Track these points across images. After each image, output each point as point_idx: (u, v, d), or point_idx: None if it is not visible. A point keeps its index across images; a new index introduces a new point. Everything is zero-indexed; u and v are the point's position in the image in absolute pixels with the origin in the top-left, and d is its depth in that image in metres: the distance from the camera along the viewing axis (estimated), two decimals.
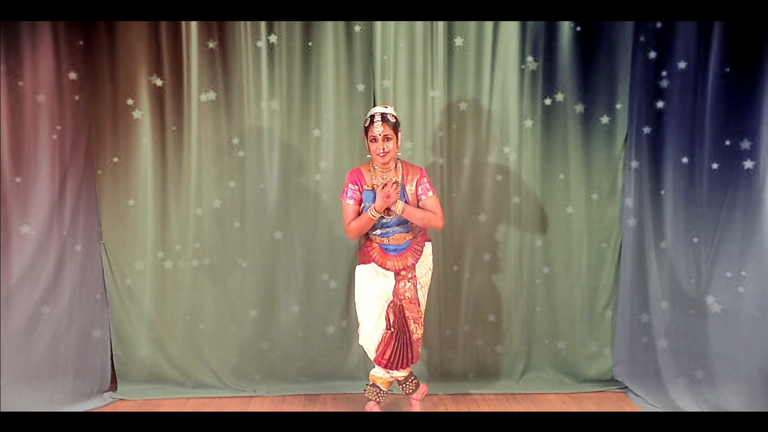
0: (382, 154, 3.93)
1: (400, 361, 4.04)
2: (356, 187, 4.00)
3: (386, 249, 4.03)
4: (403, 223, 4.01)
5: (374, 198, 3.95)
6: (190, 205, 4.67)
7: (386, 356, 4.02)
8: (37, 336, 4.35)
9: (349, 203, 4.00)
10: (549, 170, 4.74)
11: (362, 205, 4.00)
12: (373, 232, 4.04)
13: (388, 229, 4.01)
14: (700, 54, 4.30)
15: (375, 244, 4.04)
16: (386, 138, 3.92)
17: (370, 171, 4.04)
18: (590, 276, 4.78)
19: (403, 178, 4.02)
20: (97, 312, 4.62)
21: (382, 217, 3.98)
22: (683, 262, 4.40)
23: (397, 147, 4.00)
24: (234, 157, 4.68)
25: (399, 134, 4.01)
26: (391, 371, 4.10)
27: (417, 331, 4.05)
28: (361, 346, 4.24)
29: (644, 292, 4.59)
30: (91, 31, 4.49)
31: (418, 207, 4.00)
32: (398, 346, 4.02)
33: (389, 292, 4.03)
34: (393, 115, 3.98)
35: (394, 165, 4.04)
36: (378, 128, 3.91)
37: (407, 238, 4.04)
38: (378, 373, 4.15)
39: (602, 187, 4.75)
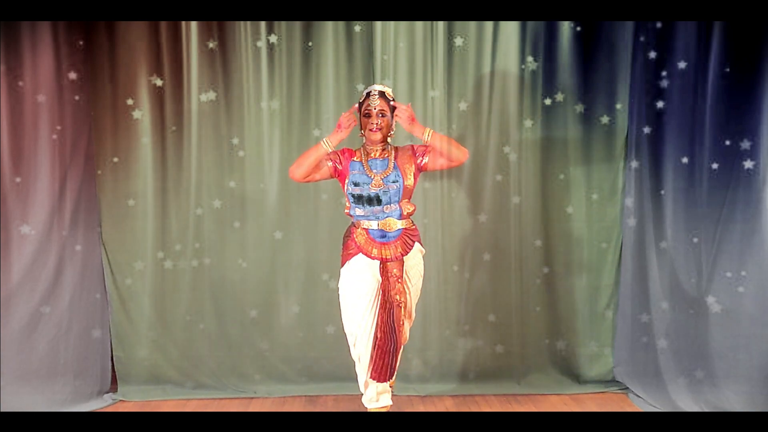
0: (374, 129, 3.73)
1: (391, 370, 3.82)
2: (339, 158, 3.79)
3: (374, 236, 3.74)
4: (395, 202, 3.76)
5: (361, 168, 3.76)
6: (190, 205, 4.67)
7: (385, 363, 3.78)
8: (38, 336, 4.35)
9: (328, 164, 3.80)
10: (549, 170, 4.74)
11: (347, 177, 3.77)
12: (359, 215, 3.77)
13: (378, 211, 3.72)
14: (700, 54, 4.30)
15: (361, 230, 3.76)
16: (381, 113, 3.75)
17: (361, 153, 3.84)
18: (590, 276, 4.78)
19: (397, 159, 3.80)
20: (97, 312, 4.61)
21: (357, 185, 3.74)
22: (683, 262, 4.40)
23: (391, 128, 3.83)
24: (234, 157, 4.67)
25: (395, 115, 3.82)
26: (380, 395, 3.88)
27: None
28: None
29: (644, 292, 4.58)
30: (91, 31, 4.49)
31: (420, 173, 3.82)
32: (394, 350, 3.80)
33: (378, 293, 3.76)
34: (390, 94, 3.83)
35: (386, 147, 3.82)
36: (374, 101, 3.75)
37: (399, 226, 3.77)
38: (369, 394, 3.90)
39: (602, 187, 4.75)
